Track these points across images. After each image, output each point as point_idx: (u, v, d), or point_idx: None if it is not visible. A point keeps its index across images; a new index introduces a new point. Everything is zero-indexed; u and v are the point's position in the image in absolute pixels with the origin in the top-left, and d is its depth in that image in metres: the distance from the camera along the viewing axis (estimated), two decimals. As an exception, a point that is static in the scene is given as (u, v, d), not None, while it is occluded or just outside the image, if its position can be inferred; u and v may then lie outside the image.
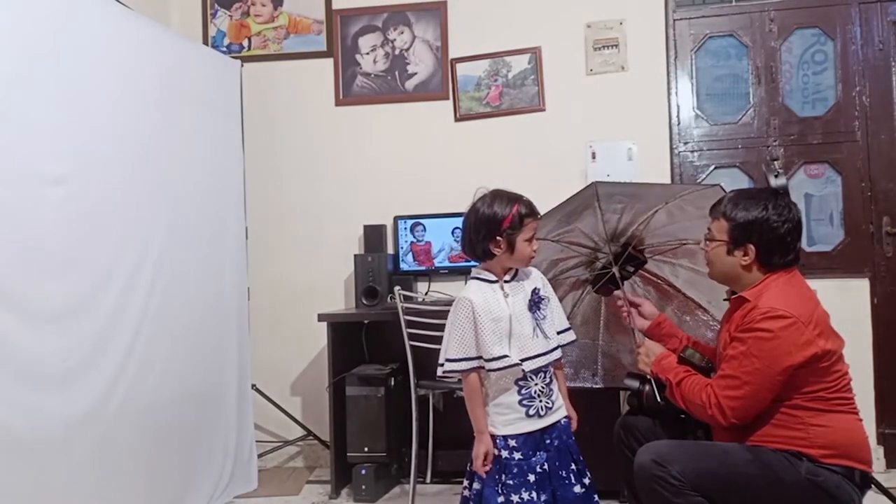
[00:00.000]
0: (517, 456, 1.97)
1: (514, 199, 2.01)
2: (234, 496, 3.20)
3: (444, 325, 2.05)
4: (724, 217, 2.01)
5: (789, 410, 1.90)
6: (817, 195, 3.55)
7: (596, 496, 2.06)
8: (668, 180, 3.58)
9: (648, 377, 2.21)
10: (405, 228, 3.64)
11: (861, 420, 1.96)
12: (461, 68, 3.75)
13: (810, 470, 1.85)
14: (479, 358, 1.97)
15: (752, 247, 1.97)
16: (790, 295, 1.93)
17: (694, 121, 3.63)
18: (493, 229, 1.98)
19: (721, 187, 2.29)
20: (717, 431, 2.04)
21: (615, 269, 2.43)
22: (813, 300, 1.99)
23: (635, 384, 2.23)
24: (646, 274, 2.61)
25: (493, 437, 1.99)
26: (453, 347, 1.98)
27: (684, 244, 2.53)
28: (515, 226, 1.97)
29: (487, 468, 1.96)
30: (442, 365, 2.01)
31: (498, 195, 2.02)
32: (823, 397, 1.89)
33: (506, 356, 1.94)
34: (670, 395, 2.06)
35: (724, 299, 2.18)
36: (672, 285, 2.60)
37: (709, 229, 2.08)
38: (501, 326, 1.97)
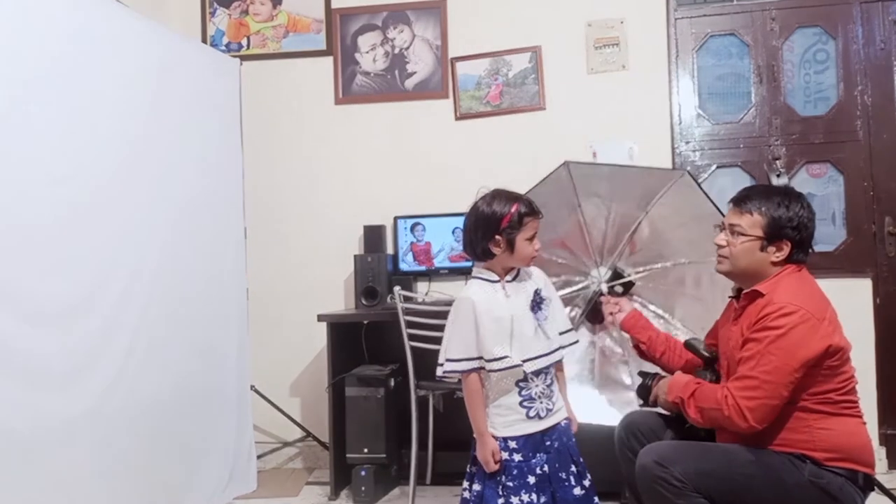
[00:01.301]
0: (517, 457, 1.95)
1: (513, 198, 2.00)
2: (234, 497, 3.18)
3: (444, 325, 2.04)
4: (760, 213, 1.98)
5: (795, 413, 1.88)
6: (819, 195, 3.54)
7: (596, 498, 2.05)
8: (669, 180, 3.57)
9: (656, 374, 2.22)
10: (405, 228, 3.63)
11: (865, 423, 1.95)
12: (461, 67, 3.74)
13: (813, 472, 1.84)
14: (480, 358, 1.96)
15: (787, 243, 1.97)
16: (804, 291, 1.93)
17: (695, 120, 3.62)
18: (491, 228, 1.97)
19: (689, 174, 2.35)
20: (720, 433, 2.02)
21: (604, 286, 2.49)
22: (825, 299, 1.98)
23: (644, 380, 2.23)
24: (636, 301, 2.62)
25: (493, 438, 1.97)
26: (454, 347, 1.97)
27: (676, 265, 2.53)
28: (515, 225, 1.96)
29: (497, 467, 1.94)
30: (442, 365, 1.99)
31: (498, 194, 2.01)
32: (831, 399, 1.87)
33: (507, 357, 1.93)
34: (684, 411, 2.00)
35: (730, 296, 2.16)
36: (661, 316, 2.61)
37: (730, 225, 2.03)
38: (503, 327, 1.96)
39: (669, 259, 2.59)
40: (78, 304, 2.38)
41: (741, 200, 2.03)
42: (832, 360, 1.86)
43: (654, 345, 2.32)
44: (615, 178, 2.62)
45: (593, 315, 2.56)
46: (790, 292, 1.90)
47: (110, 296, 2.53)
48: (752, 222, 1.99)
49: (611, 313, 2.38)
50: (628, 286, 2.52)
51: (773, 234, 1.97)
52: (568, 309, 2.60)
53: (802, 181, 3.53)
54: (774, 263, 1.98)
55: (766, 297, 1.92)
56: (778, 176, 2.51)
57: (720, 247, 2.06)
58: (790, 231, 1.96)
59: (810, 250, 2.03)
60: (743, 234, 2.00)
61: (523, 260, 2.01)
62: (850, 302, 3.35)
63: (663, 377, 2.22)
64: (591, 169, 2.65)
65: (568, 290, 2.65)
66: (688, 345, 2.16)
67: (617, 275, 2.50)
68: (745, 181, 3.55)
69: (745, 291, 2.03)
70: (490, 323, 1.95)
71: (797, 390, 1.86)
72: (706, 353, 2.11)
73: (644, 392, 2.23)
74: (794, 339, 1.82)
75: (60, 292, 2.31)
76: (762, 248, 1.98)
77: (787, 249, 1.97)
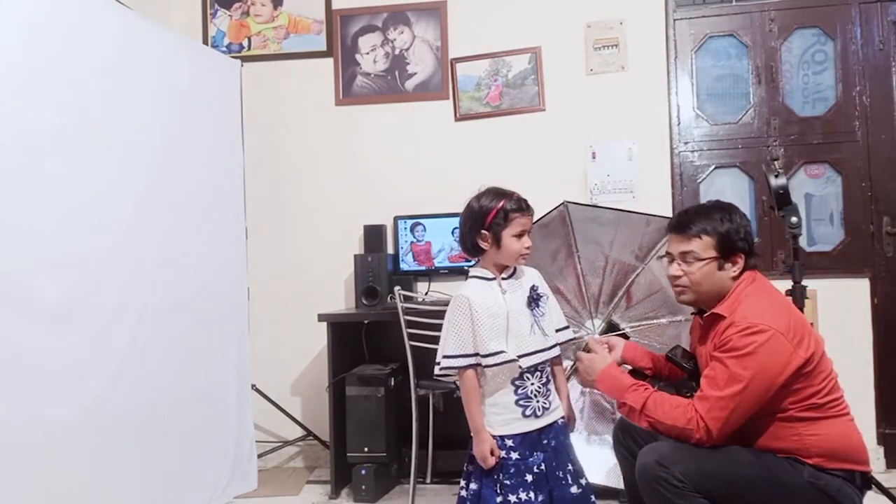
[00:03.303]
0: (514, 455, 1.97)
1: (502, 194, 2.03)
2: (234, 496, 3.19)
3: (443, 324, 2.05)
4: (707, 233, 1.96)
5: (784, 423, 1.88)
6: (817, 195, 3.55)
7: (593, 496, 2.06)
8: (668, 180, 3.58)
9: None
10: (405, 228, 3.64)
11: (853, 420, 1.94)
12: (461, 68, 3.75)
13: (812, 474, 1.85)
14: (476, 355, 1.97)
15: (741, 255, 1.96)
16: (763, 304, 1.91)
17: (694, 121, 3.63)
18: (478, 223, 2.00)
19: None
20: None
21: (597, 337, 2.46)
22: (785, 304, 1.97)
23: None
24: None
25: (491, 436, 1.98)
26: (450, 344, 1.99)
27: (672, 322, 2.52)
28: (500, 220, 1.99)
29: (494, 462, 1.95)
30: (439, 363, 2.01)
31: (489, 191, 2.05)
32: (816, 404, 1.87)
33: (502, 352, 1.95)
34: (627, 414, 1.98)
35: (692, 313, 2.15)
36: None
37: (681, 253, 1.99)
38: (498, 323, 1.98)
39: (667, 315, 2.59)
40: (78, 304, 2.39)
41: (683, 226, 2.00)
42: (805, 368, 1.85)
43: (659, 369, 2.26)
44: (615, 224, 2.57)
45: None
46: (751, 309, 1.88)
47: (110, 295, 2.54)
48: (704, 245, 1.96)
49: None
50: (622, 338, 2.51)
51: (726, 251, 1.95)
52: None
53: (800, 181, 3.55)
54: (733, 278, 1.97)
55: (728, 318, 1.91)
56: (776, 176, 2.49)
57: (676, 278, 2.01)
58: (740, 243, 1.96)
59: (757, 254, 2.03)
60: (698, 259, 1.97)
61: (511, 256, 2.02)
62: (848, 302, 3.38)
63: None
64: (591, 212, 2.62)
65: None
66: (669, 359, 2.14)
67: (611, 327, 2.47)
68: (743, 181, 3.58)
69: (706, 315, 2.02)
70: (486, 319, 1.97)
71: (778, 402, 1.86)
72: (687, 366, 2.11)
73: None
74: (761, 359, 1.81)
75: (60, 292, 2.32)
76: (720, 268, 1.97)
77: (741, 262, 1.97)
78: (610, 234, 2.60)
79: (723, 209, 2.00)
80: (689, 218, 2.01)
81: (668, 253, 2.06)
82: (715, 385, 1.85)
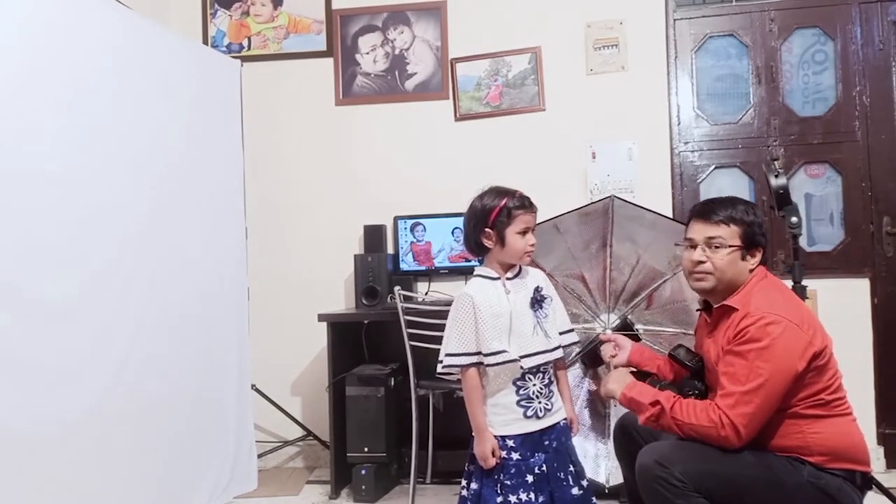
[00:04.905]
0: (515, 456, 1.97)
1: (504, 192, 2.04)
2: (234, 496, 3.19)
3: (444, 325, 2.06)
4: (735, 222, 1.96)
5: (788, 420, 1.88)
6: (817, 195, 3.55)
7: (594, 498, 2.06)
8: (668, 180, 3.58)
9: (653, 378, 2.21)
10: (405, 228, 3.64)
11: (855, 420, 1.95)
12: (461, 68, 3.75)
13: (812, 473, 1.85)
14: (479, 353, 1.98)
15: (760, 249, 1.98)
16: (776, 298, 1.91)
17: (694, 120, 3.63)
18: (481, 221, 2.01)
19: None
20: None
21: (609, 332, 2.47)
22: (797, 299, 1.99)
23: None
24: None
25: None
26: (453, 342, 1.99)
27: (688, 334, 2.52)
28: (504, 218, 2.00)
29: (494, 462, 1.95)
30: (441, 361, 2.01)
31: (492, 190, 2.06)
32: (822, 401, 1.87)
33: (504, 351, 1.95)
34: (652, 421, 1.96)
35: (697, 309, 2.15)
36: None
37: (708, 238, 1.98)
38: (501, 322, 1.98)
39: (683, 326, 2.58)
40: (77, 305, 2.39)
41: (709, 213, 2.00)
42: (818, 361, 1.86)
43: (663, 372, 2.27)
44: (654, 228, 2.57)
45: (590, 358, 2.53)
46: (765, 302, 1.89)
47: (111, 295, 2.53)
48: (731, 232, 1.96)
49: (612, 356, 2.28)
50: (633, 339, 2.47)
51: (749, 242, 1.96)
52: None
53: (801, 181, 3.55)
54: (751, 271, 1.98)
55: (741, 310, 1.91)
56: (776, 176, 2.49)
57: (700, 263, 1.99)
58: (761, 237, 1.97)
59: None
60: (724, 246, 1.96)
61: (515, 254, 2.03)
62: (848, 302, 3.38)
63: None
64: (634, 211, 2.59)
65: (573, 325, 2.61)
66: (672, 357, 2.15)
67: (625, 325, 2.47)
68: (743, 182, 3.58)
69: (716, 307, 2.02)
70: (489, 318, 1.97)
71: (788, 397, 1.86)
72: (690, 364, 2.11)
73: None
74: (779, 351, 1.81)
75: (60, 292, 2.32)
76: (743, 258, 1.97)
77: (759, 256, 1.97)
78: (648, 237, 2.59)
79: (744, 203, 2.02)
80: (715, 206, 2.02)
81: (688, 238, 2.04)
82: (736, 380, 1.84)
